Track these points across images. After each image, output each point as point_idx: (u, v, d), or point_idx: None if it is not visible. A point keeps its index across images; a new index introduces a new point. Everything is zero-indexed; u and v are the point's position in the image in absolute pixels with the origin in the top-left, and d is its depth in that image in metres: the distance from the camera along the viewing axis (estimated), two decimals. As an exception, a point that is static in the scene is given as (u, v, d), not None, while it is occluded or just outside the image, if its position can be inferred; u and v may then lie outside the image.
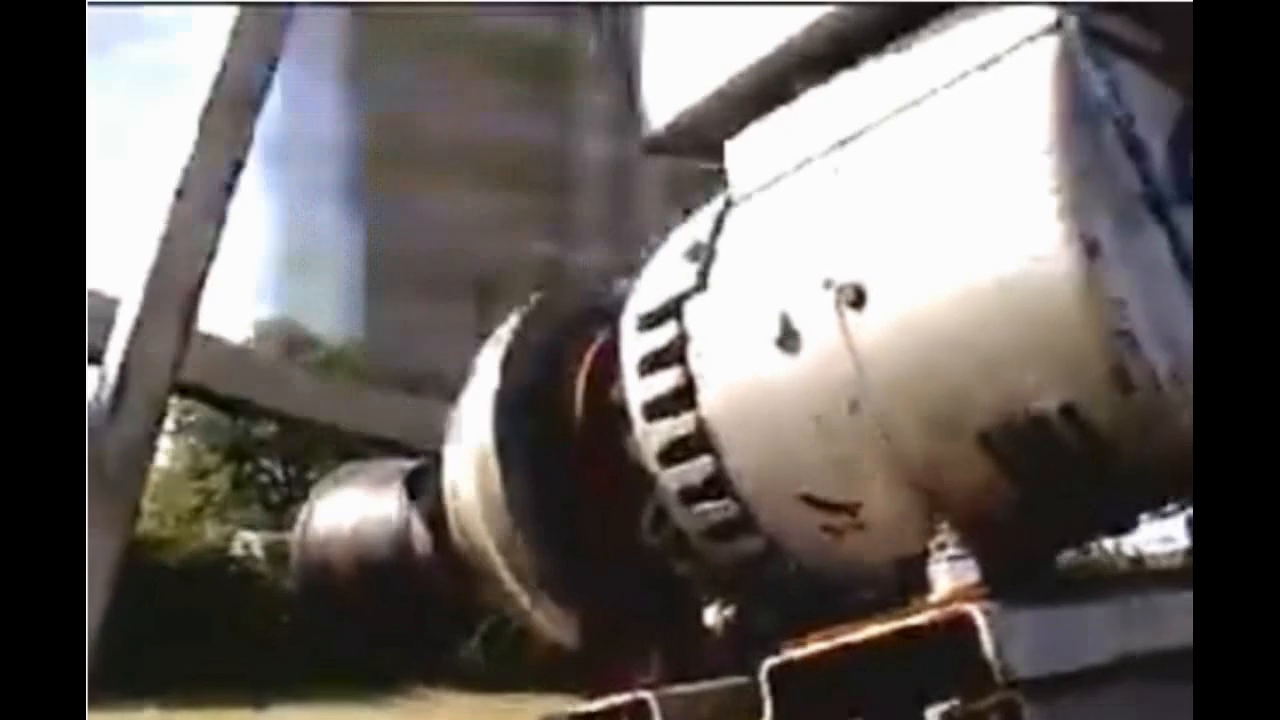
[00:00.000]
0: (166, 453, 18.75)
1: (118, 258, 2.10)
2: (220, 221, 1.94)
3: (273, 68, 2.00)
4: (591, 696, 1.45)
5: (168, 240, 1.90)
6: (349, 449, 1.97)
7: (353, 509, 1.88)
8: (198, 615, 14.03)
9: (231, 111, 1.98)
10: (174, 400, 2.03)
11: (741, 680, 1.37)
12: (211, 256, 1.93)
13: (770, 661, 1.23)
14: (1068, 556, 1.56)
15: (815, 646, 1.21)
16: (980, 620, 1.11)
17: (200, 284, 1.92)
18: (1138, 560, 2.36)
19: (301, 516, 1.88)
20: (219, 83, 1.98)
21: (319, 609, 1.98)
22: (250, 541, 16.85)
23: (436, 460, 1.63)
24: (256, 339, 22.34)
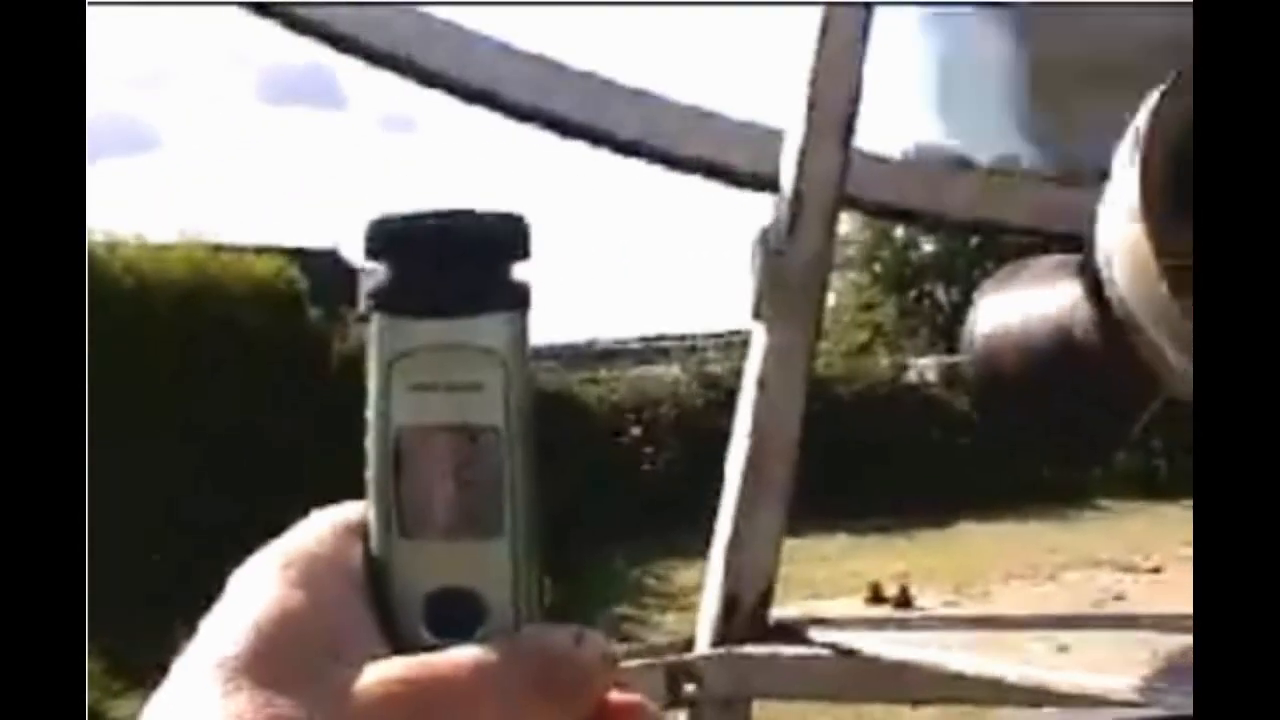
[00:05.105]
0: (834, 291, 19.48)
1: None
2: (863, 50, 2.05)
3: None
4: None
5: (818, 75, 2.04)
6: (1010, 257, 2.03)
7: (1017, 306, 1.95)
8: (879, 443, 14.56)
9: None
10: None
11: None
12: (859, 84, 2.05)
13: None
14: None
15: None
16: None
17: (854, 109, 2.05)
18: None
19: (967, 323, 1.96)
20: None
21: (991, 410, 2.06)
22: (923, 367, 17.22)
23: (1089, 246, 1.66)
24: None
